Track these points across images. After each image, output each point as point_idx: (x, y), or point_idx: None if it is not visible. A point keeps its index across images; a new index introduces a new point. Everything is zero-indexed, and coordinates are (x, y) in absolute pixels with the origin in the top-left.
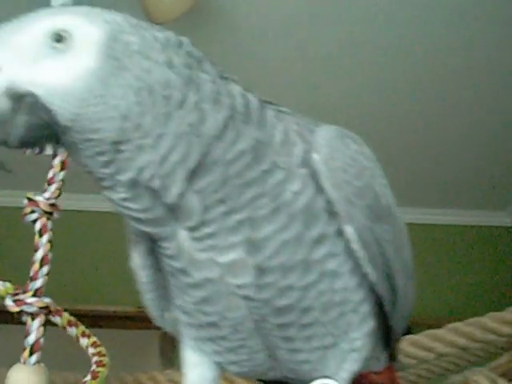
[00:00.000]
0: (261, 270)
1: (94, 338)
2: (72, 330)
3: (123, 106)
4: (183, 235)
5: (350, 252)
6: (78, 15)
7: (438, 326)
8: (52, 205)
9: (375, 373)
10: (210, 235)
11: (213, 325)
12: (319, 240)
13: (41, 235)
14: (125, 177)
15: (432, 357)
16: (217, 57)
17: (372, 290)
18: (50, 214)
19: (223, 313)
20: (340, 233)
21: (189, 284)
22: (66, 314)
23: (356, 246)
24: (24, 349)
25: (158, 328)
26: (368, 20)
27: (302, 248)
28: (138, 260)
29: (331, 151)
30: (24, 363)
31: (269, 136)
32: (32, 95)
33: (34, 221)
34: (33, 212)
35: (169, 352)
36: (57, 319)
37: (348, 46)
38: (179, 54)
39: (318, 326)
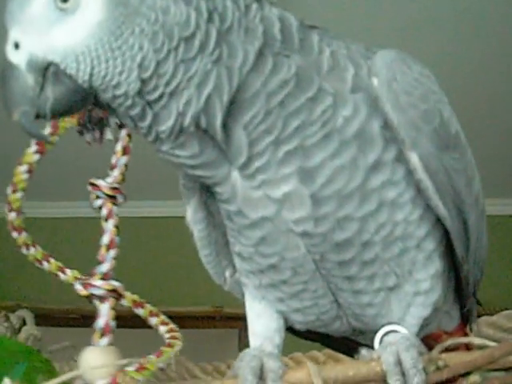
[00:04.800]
0: (316, 200)
1: (162, 317)
2: (139, 311)
3: (139, 56)
4: (235, 175)
5: (411, 181)
6: None
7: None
8: (114, 188)
9: (446, 333)
10: (261, 169)
11: (273, 268)
12: (375, 166)
13: (106, 220)
14: (166, 126)
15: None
16: None
17: (437, 226)
18: (114, 198)
19: (282, 253)
20: (399, 159)
21: (245, 225)
22: (129, 295)
23: (422, 175)
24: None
25: (236, 326)
26: None
27: (358, 175)
28: (190, 214)
29: (393, 73)
30: (94, 345)
31: (314, 62)
32: (52, 64)
33: (100, 208)
34: (98, 198)
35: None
36: (123, 301)
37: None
38: None
39: (379, 263)
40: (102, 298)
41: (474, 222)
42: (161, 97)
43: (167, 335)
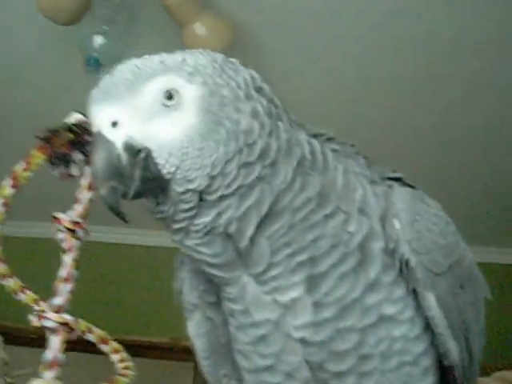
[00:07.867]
0: (318, 307)
1: (124, 354)
2: (104, 347)
3: (214, 157)
4: (247, 279)
5: (409, 302)
6: (180, 72)
7: None
8: (75, 222)
9: None
10: (274, 277)
11: (269, 369)
12: (372, 285)
13: (65, 253)
14: (202, 220)
15: None
16: None
17: (433, 344)
18: (75, 231)
19: (279, 355)
20: (397, 282)
21: (247, 323)
22: (98, 331)
23: (436, 312)
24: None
25: (192, 360)
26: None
27: (357, 287)
28: (193, 329)
29: (413, 213)
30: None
31: (332, 180)
32: (145, 150)
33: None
34: (60, 231)
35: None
36: (89, 336)
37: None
38: (261, 102)
39: (377, 375)
40: (53, 331)
41: (478, 351)
42: (214, 197)
43: (122, 371)
